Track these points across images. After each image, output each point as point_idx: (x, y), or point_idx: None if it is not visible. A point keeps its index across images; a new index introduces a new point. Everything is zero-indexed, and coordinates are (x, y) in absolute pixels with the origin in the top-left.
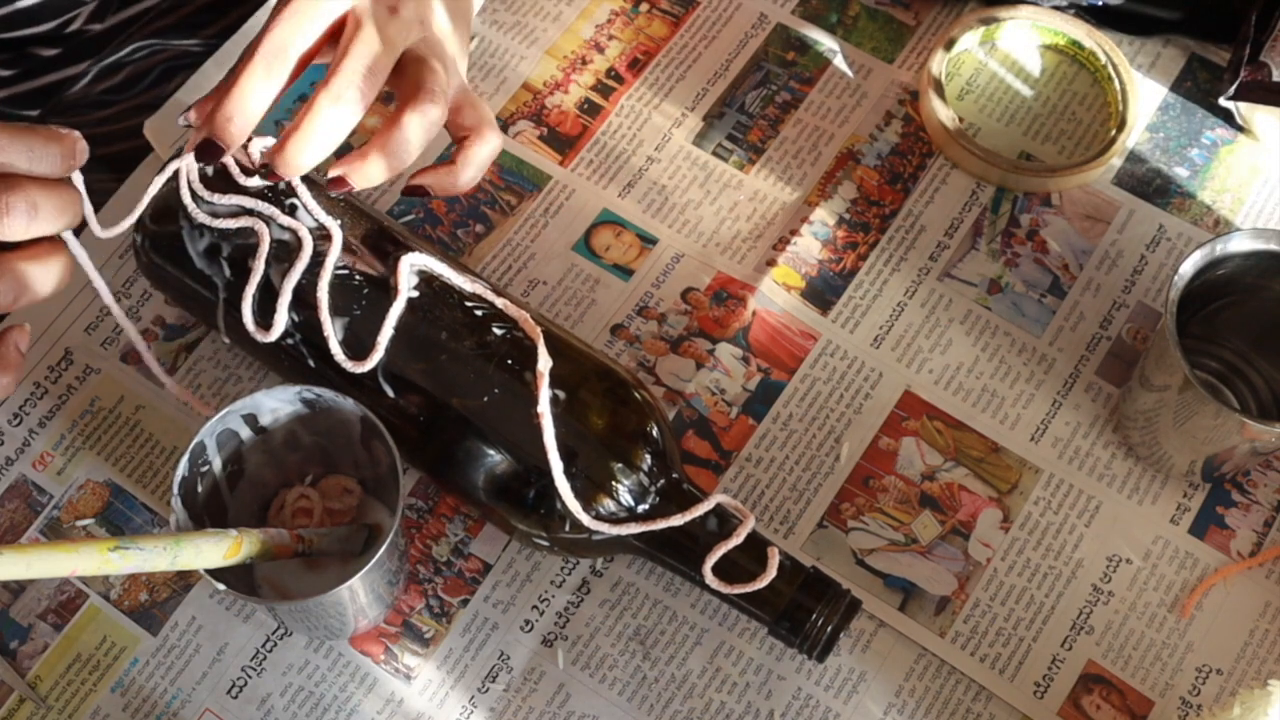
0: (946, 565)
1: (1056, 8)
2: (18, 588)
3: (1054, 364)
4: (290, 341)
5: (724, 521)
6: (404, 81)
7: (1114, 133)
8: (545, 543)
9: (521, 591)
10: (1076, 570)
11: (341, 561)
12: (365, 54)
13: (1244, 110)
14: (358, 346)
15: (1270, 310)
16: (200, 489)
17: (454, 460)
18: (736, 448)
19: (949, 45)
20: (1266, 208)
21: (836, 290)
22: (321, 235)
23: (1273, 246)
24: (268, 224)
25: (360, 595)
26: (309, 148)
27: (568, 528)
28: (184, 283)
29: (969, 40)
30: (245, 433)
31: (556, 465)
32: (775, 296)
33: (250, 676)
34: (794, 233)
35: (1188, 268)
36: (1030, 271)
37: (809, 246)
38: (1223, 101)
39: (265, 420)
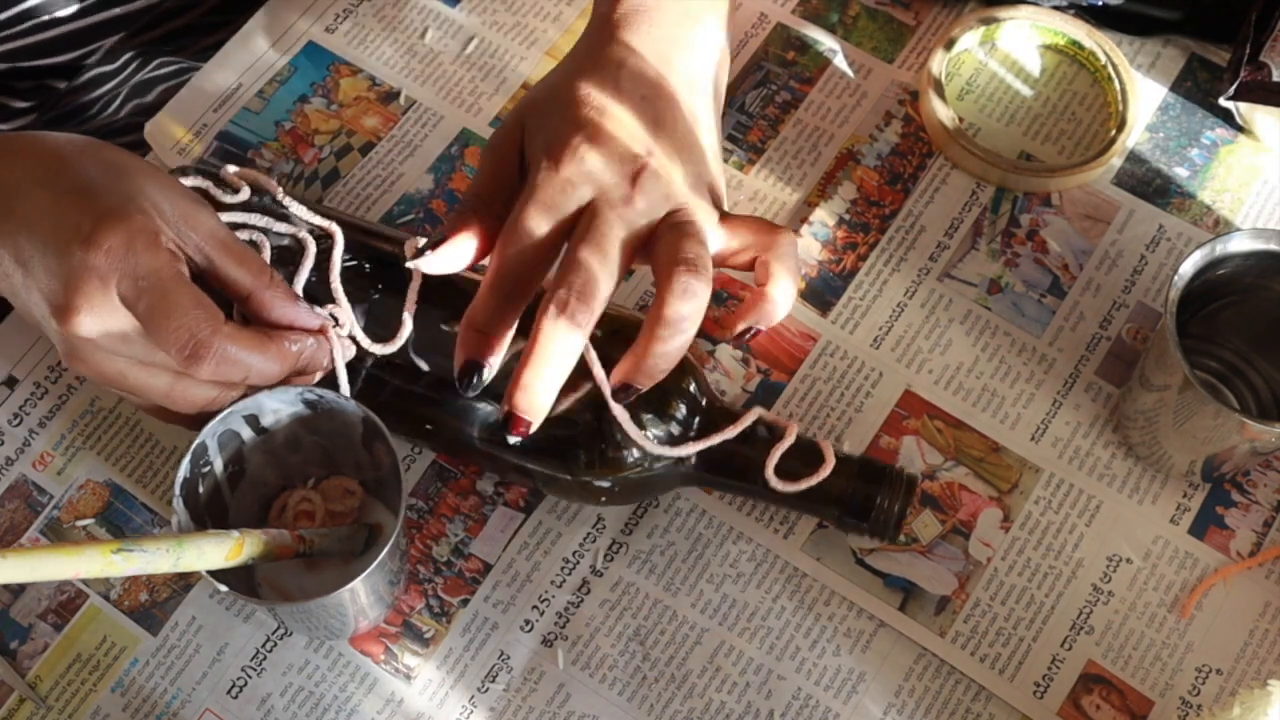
0: (946, 565)
1: (1056, 8)
2: (18, 588)
3: (1054, 364)
4: None
5: (771, 429)
6: (657, 255)
7: (1114, 133)
8: (606, 484)
9: (521, 591)
10: (1076, 570)
11: (343, 562)
12: (593, 262)
13: (1244, 110)
14: (381, 330)
15: (1270, 310)
16: (202, 489)
17: (496, 426)
18: None
19: (949, 45)
20: (1266, 208)
21: (836, 291)
22: (321, 236)
23: (1273, 246)
24: (265, 234)
25: (361, 596)
26: (545, 383)
27: (629, 461)
28: None
29: (969, 40)
30: (247, 433)
31: (609, 391)
32: None
33: (250, 676)
34: (794, 233)
35: (1188, 268)
36: (1030, 271)
37: (809, 247)
38: (1223, 101)
39: (267, 421)
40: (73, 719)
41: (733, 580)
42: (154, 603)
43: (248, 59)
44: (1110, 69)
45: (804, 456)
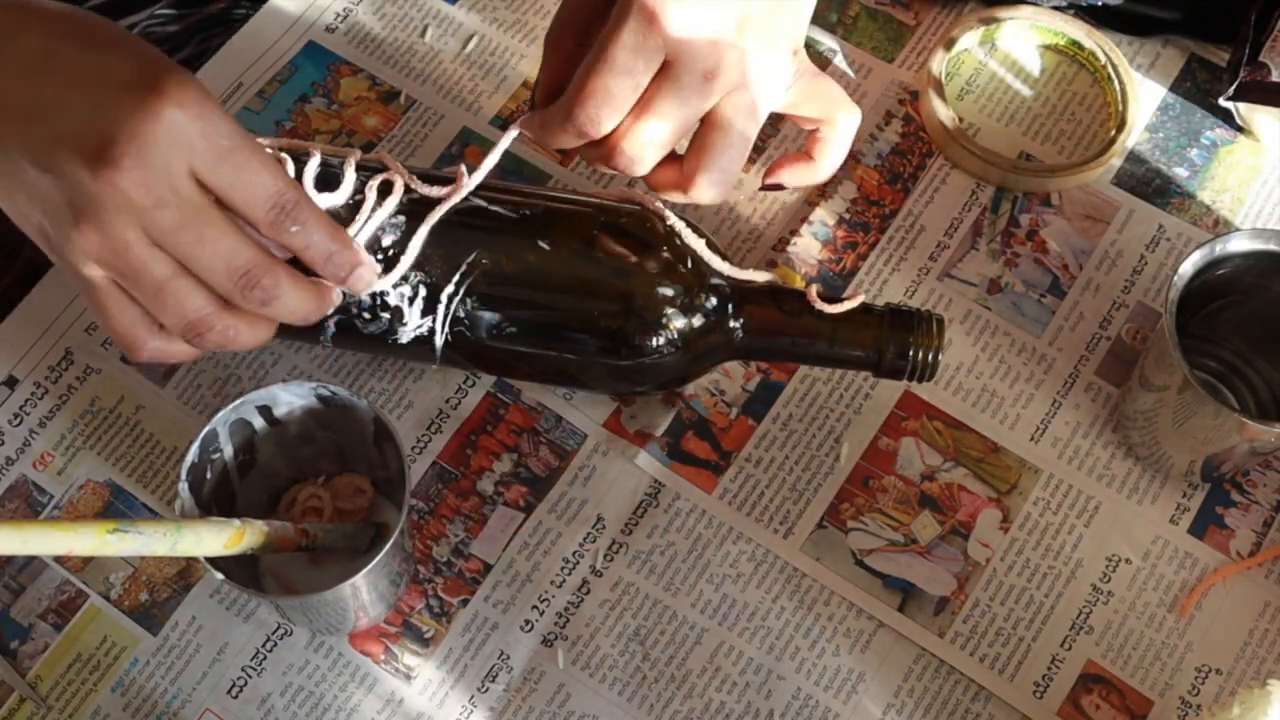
0: (946, 565)
1: (1056, 8)
2: (18, 588)
3: (1054, 364)
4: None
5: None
6: (701, 143)
7: (1114, 133)
8: (651, 359)
9: (521, 591)
10: (1076, 570)
11: (347, 558)
12: (660, 133)
13: (1243, 110)
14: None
15: (1270, 310)
16: (210, 475)
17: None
18: (736, 448)
19: (949, 45)
20: (1266, 208)
21: (836, 290)
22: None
23: (1272, 246)
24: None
25: (363, 592)
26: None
27: (652, 346)
28: None
29: (969, 40)
30: (259, 423)
31: (691, 236)
32: None
33: (250, 676)
34: (794, 233)
35: (1187, 268)
36: (1030, 271)
37: (809, 246)
38: (1222, 102)
39: (280, 412)
40: (73, 719)
41: (732, 580)
42: (154, 603)
43: (247, 59)
44: (1110, 69)
45: (831, 303)
